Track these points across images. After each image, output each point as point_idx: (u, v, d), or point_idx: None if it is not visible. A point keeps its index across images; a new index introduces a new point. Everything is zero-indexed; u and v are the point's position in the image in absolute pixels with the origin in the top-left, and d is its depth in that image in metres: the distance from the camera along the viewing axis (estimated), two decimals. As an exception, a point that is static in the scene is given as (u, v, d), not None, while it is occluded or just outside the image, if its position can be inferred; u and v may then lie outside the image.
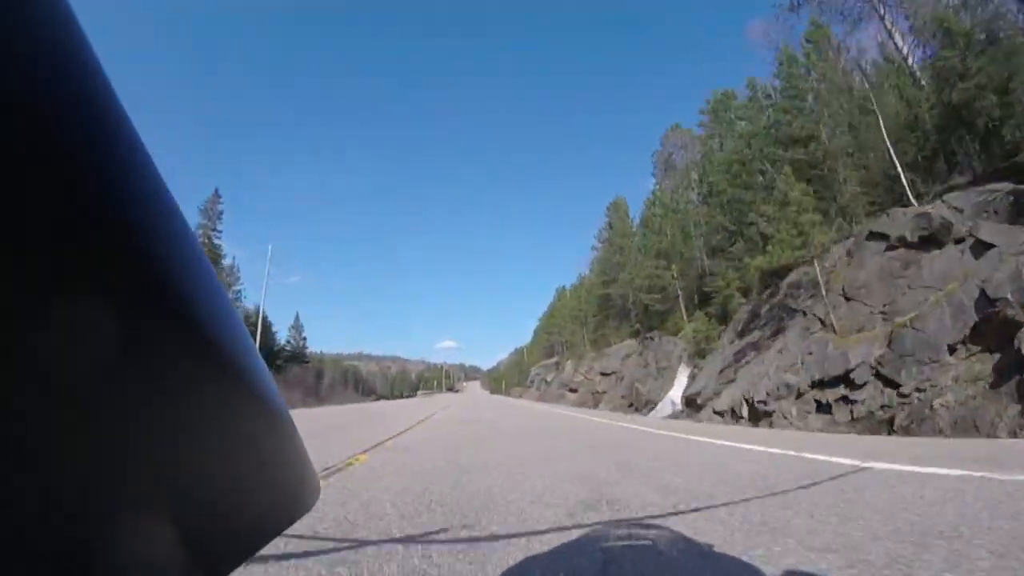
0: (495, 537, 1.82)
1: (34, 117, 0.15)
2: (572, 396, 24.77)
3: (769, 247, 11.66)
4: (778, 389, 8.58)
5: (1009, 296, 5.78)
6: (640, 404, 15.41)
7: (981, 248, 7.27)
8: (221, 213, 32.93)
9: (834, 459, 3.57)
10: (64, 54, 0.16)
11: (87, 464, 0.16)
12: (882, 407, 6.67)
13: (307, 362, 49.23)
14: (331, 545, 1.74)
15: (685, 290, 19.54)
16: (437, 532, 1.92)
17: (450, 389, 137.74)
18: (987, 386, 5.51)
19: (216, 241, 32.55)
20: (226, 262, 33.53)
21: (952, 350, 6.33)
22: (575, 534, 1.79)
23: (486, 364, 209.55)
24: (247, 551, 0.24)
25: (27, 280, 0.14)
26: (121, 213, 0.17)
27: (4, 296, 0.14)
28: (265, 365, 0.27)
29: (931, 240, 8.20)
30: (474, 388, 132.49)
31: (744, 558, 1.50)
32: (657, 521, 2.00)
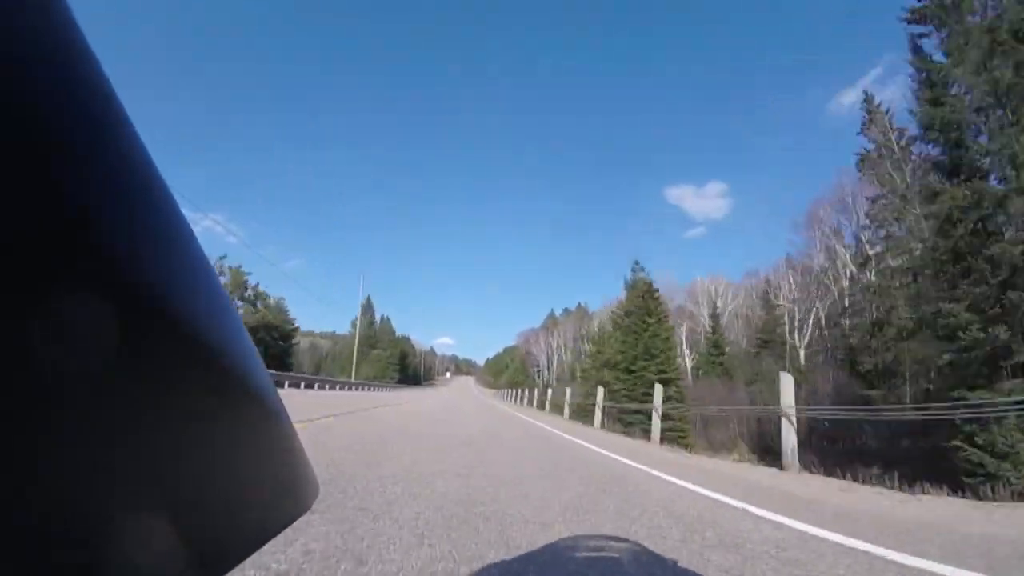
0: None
1: (33, 117, 0.15)
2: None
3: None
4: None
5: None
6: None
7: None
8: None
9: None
10: (63, 54, 0.16)
11: (87, 464, 0.16)
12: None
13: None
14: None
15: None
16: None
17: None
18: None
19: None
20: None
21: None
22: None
23: (481, 359, 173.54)
24: (246, 551, 0.25)
25: (26, 280, 0.14)
26: (121, 213, 0.17)
27: (3, 296, 0.14)
28: (263, 365, 0.27)
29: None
30: (464, 386, 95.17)
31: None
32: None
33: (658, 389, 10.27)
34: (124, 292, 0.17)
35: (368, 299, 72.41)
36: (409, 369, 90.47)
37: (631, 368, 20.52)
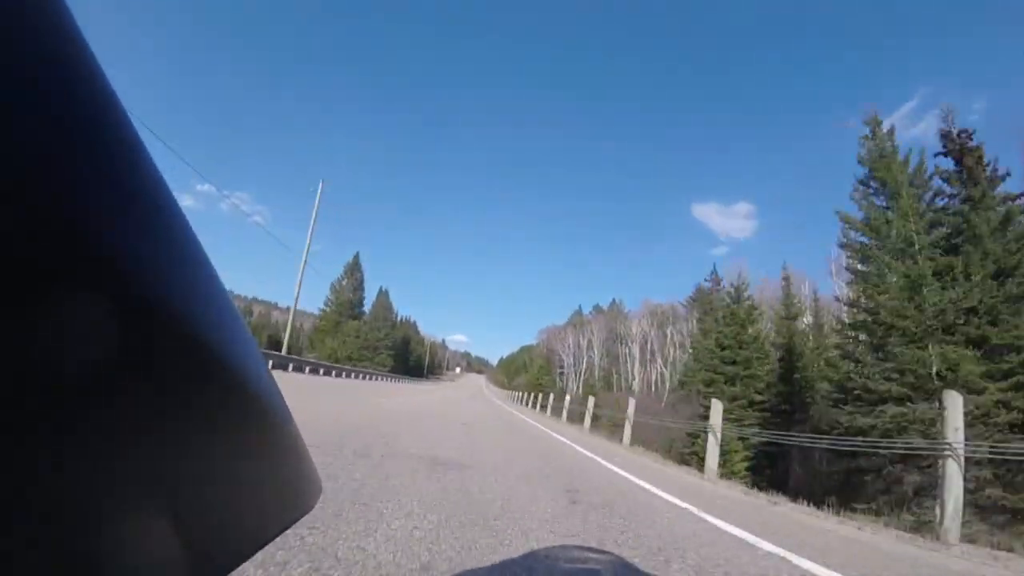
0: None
1: (33, 117, 0.15)
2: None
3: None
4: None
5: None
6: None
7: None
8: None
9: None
10: (63, 54, 0.16)
11: (87, 464, 0.16)
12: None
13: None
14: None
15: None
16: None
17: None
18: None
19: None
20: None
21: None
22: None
23: (495, 358, 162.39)
24: (248, 551, 0.24)
25: (27, 280, 0.14)
26: (121, 212, 0.17)
27: (4, 296, 0.14)
28: (265, 363, 0.27)
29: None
30: (473, 385, 79.55)
31: None
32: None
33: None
34: (125, 291, 0.17)
35: (356, 257, 54.45)
36: (411, 358, 77.97)
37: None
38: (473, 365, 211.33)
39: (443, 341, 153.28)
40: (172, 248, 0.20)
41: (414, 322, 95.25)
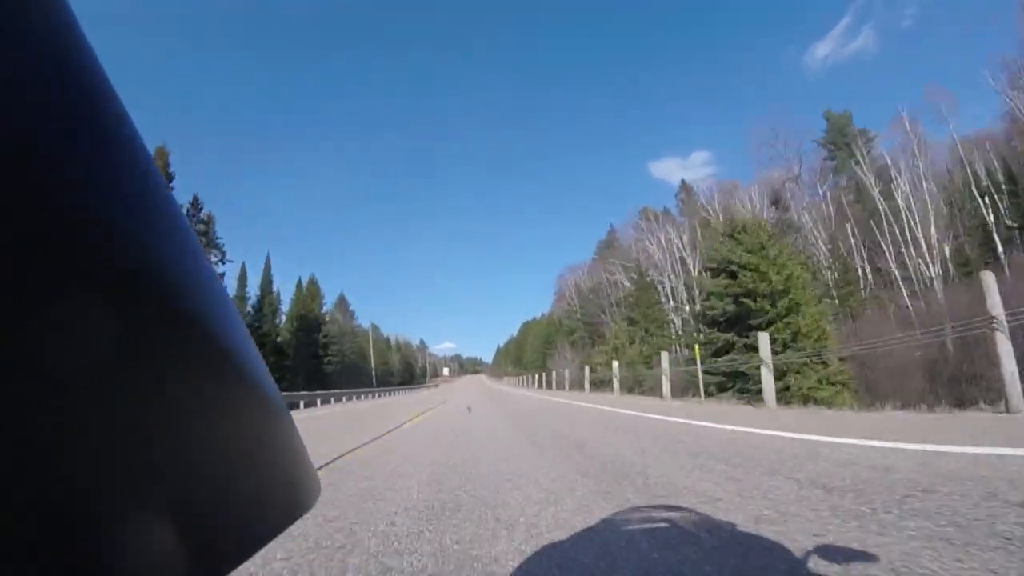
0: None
1: (33, 117, 0.15)
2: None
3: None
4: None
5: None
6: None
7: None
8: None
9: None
10: (63, 53, 0.16)
11: (87, 464, 0.16)
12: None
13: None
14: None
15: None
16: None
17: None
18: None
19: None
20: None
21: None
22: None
23: (487, 355, 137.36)
24: (247, 551, 0.24)
25: (27, 280, 0.14)
26: (121, 212, 0.17)
27: (4, 296, 0.13)
28: (264, 363, 0.27)
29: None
30: (472, 394, 54.27)
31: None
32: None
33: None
34: (124, 291, 0.17)
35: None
36: (329, 364, 41.66)
37: None
38: (466, 367, 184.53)
39: (421, 342, 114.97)
40: (171, 246, 0.20)
41: (349, 306, 58.28)
